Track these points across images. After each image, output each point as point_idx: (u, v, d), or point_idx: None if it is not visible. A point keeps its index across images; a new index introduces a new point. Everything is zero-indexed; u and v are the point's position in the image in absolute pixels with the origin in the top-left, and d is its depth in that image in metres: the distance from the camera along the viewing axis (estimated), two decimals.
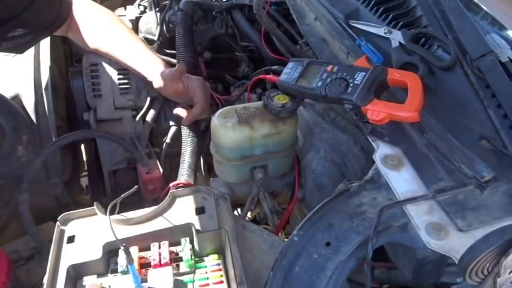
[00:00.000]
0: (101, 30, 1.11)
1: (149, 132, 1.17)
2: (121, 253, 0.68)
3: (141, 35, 1.37)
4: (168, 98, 1.15)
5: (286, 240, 0.70)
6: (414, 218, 0.61)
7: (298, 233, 0.63)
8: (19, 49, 0.99)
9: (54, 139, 1.05)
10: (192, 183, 1.02)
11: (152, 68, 1.10)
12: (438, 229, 0.58)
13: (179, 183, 1.00)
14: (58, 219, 0.76)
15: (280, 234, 0.99)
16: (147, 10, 1.50)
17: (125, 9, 1.53)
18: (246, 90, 1.15)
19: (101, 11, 1.14)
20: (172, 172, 1.20)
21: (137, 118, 1.16)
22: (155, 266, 0.68)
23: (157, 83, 1.07)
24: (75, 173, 1.29)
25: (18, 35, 0.92)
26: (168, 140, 1.18)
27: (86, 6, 1.11)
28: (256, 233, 0.78)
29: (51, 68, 1.12)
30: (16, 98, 1.05)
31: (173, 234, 0.73)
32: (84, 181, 1.38)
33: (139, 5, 1.54)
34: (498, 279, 0.57)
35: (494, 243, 0.56)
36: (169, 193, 0.80)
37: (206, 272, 0.69)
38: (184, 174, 1.03)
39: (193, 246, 0.71)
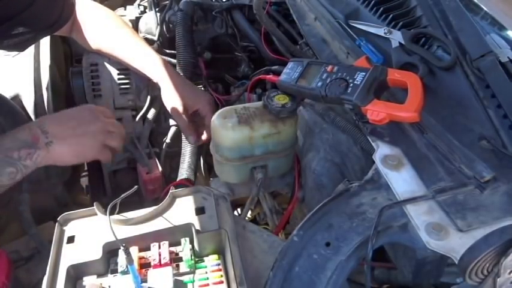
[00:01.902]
0: (102, 30, 1.11)
1: (149, 132, 1.17)
2: (121, 253, 0.68)
3: (141, 35, 1.37)
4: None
5: (286, 240, 0.70)
6: (414, 218, 0.61)
7: (298, 233, 0.63)
8: (20, 47, 0.99)
9: None
10: (193, 183, 1.02)
11: (154, 69, 1.09)
12: (438, 229, 0.58)
13: (179, 183, 1.00)
14: (58, 219, 0.76)
15: (280, 234, 0.99)
16: (147, 10, 1.50)
17: (125, 9, 1.53)
18: (246, 90, 1.15)
19: (103, 11, 1.14)
20: (172, 172, 1.20)
21: (137, 118, 1.16)
22: (155, 266, 0.68)
23: (170, 102, 1.07)
24: (75, 173, 1.29)
25: (20, 33, 0.92)
26: (168, 140, 1.18)
27: (88, 6, 1.11)
28: (256, 233, 0.78)
29: (51, 68, 1.12)
30: (16, 98, 1.05)
31: (173, 235, 0.73)
32: (84, 181, 1.38)
33: (139, 5, 1.54)
34: (498, 280, 0.57)
35: (494, 243, 0.56)
36: (169, 193, 0.80)
37: (206, 272, 0.69)
38: (184, 174, 1.03)
39: (193, 247, 0.71)
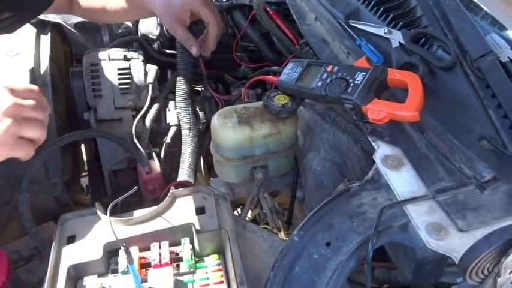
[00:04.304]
0: None
1: (149, 132, 1.17)
2: (121, 253, 0.68)
3: (141, 35, 1.37)
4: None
5: (286, 240, 0.70)
6: (414, 218, 0.61)
7: (299, 233, 0.63)
8: (8, 30, 0.98)
9: (54, 139, 1.05)
10: (193, 183, 1.02)
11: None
12: (438, 229, 0.58)
13: (179, 183, 1.00)
14: (58, 219, 0.76)
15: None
16: None
17: None
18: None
19: None
20: (172, 172, 1.19)
21: (137, 118, 1.16)
22: (155, 266, 0.68)
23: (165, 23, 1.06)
24: (75, 173, 1.29)
25: (6, 18, 0.92)
26: (168, 140, 1.18)
27: None
28: (257, 233, 0.78)
29: (51, 68, 1.11)
30: None
31: (173, 234, 0.73)
32: (84, 181, 1.38)
33: None
34: (498, 280, 0.57)
35: (495, 243, 0.56)
36: (169, 193, 0.80)
37: (206, 272, 0.69)
38: (184, 174, 1.03)
39: (193, 246, 0.71)
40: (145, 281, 0.67)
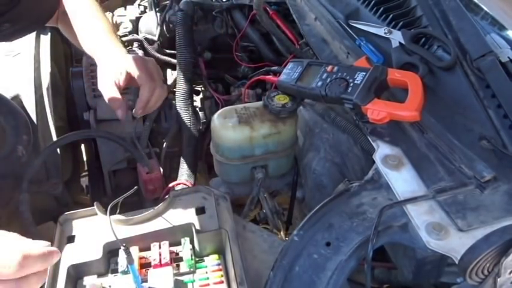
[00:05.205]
0: (76, 19, 1.03)
1: (149, 132, 1.17)
2: (121, 253, 0.68)
3: (141, 35, 1.37)
4: None
5: (286, 240, 0.70)
6: (414, 218, 0.61)
7: (298, 233, 0.63)
8: (7, 39, 0.99)
9: (54, 139, 1.05)
10: (193, 183, 1.02)
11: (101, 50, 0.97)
12: (438, 229, 0.58)
13: (179, 183, 1.00)
14: (58, 219, 0.76)
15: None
16: (147, 10, 1.50)
17: (125, 9, 1.52)
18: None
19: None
20: (172, 172, 1.20)
21: (137, 118, 1.16)
22: (155, 266, 0.68)
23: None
24: (75, 173, 1.29)
25: (5, 29, 0.93)
26: (168, 140, 1.18)
27: None
28: (256, 233, 0.78)
29: (51, 68, 1.12)
30: (16, 98, 1.05)
31: (173, 234, 0.73)
32: (84, 181, 1.38)
33: (139, 5, 1.54)
34: (498, 279, 0.57)
35: (495, 243, 0.56)
36: (169, 193, 0.80)
37: (206, 272, 0.69)
38: (184, 174, 1.03)
39: (193, 246, 0.71)
40: (145, 281, 0.66)
